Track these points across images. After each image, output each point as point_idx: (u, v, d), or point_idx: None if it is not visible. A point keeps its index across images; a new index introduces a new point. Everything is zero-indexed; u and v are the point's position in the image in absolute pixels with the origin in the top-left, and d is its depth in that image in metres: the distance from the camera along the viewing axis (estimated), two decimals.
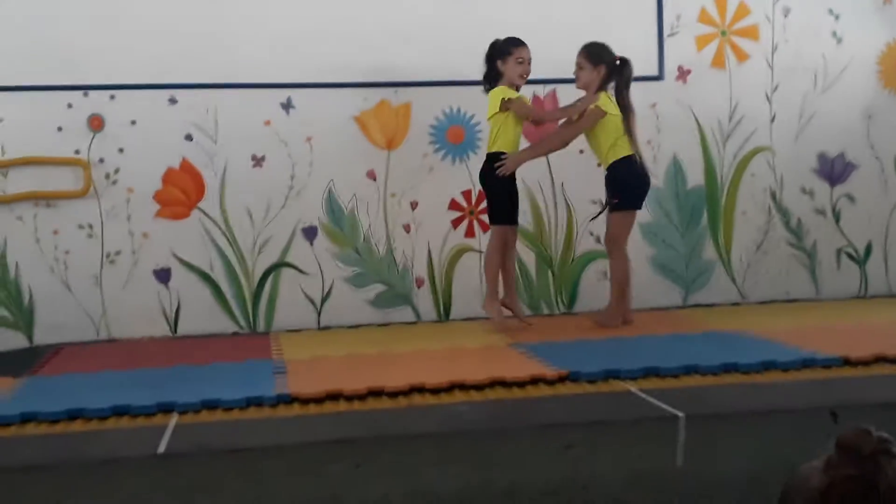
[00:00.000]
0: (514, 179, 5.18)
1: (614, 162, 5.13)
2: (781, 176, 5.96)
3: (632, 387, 3.89)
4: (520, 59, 5.05)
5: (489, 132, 5.16)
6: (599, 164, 5.29)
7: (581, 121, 5.16)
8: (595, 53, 5.13)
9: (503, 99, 5.02)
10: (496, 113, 5.05)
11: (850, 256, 6.06)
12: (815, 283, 6.03)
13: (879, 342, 4.37)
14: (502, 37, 5.10)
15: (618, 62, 5.13)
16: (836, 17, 5.96)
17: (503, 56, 5.06)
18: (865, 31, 5.98)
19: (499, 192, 5.14)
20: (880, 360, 4.12)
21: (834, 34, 5.96)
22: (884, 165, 6.05)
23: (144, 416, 3.69)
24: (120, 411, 3.71)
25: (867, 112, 6.01)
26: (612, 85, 5.11)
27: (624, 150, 5.11)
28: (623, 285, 5.20)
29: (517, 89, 5.10)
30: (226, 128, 5.43)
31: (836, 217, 6.04)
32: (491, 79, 5.12)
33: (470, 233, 5.68)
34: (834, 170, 6.02)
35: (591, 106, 5.08)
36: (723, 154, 5.91)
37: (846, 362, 4.11)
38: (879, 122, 6.03)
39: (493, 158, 5.11)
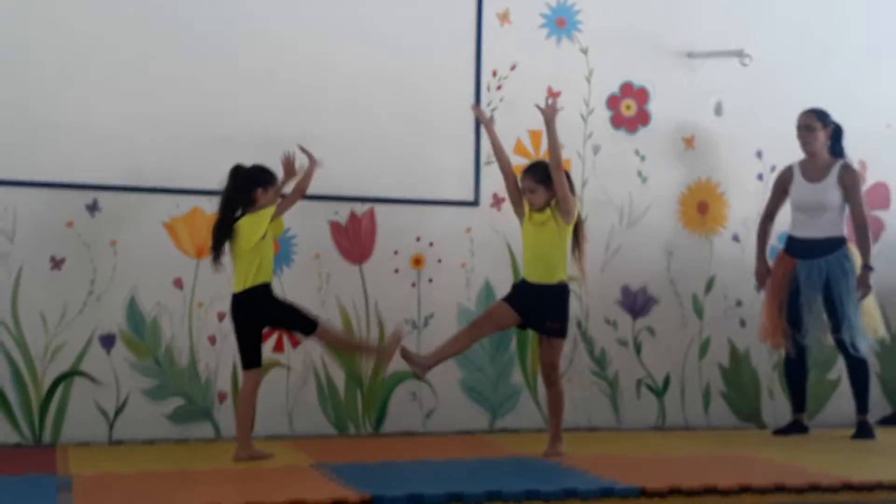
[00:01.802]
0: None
1: (561, 283, 4.98)
2: (587, 306, 6.13)
3: None
4: (277, 192, 4.91)
5: (244, 263, 4.76)
6: (525, 279, 5.07)
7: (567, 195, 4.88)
8: (545, 172, 4.95)
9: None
10: (259, 240, 4.76)
11: (649, 388, 6.24)
12: (615, 412, 6.17)
13: (675, 474, 4.48)
14: (258, 162, 4.87)
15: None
16: (642, 158, 6.26)
17: (266, 185, 4.82)
18: (668, 173, 6.31)
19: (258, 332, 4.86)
20: (675, 491, 4.21)
21: (639, 174, 6.26)
22: (682, 301, 6.30)
23: None
24: None
25: (668, 249, 6.29)
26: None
27: (565, 273, 5.00)
28: (562, 412, 5.07)
29: None
30: (24, 227, 5.18)
31: (637, 349, 6.23)
32: (244, 202, 4.81)
33: (279, 347, 5.55)
34: (636, 302, 6.24)
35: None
36: None
37: (643, 493, 4.17)
38: (679, 259, 6.31)
39: (258, 293, 4.79)
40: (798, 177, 5.95)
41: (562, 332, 5.03)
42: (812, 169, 5.93)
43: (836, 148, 5.94)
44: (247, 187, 4.81)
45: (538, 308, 5.01)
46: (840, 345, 5.81)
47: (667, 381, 6.28)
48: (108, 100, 5.32)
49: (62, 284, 5.24)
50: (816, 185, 5.88)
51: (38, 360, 5.20)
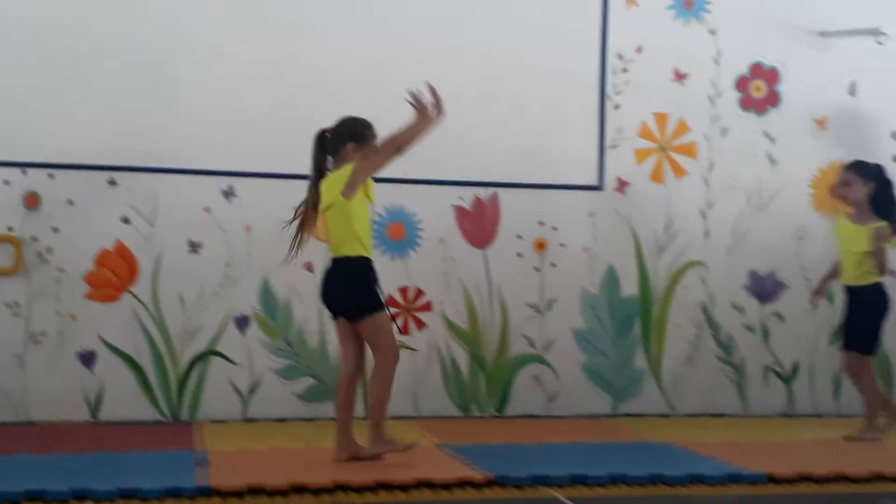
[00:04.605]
0: None
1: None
2: (713, 291, 6.05)
3: (559, 493, 3.87)
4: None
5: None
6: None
7: None
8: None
9: None
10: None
11: (776, 374, 6.13)
12: (742, 398, 6.08)
13: (804, 460, 4.42)
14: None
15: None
16: (772, 141, 6.14)
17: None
18: (800, 156, 6.16)
19: None
20: (804, 478, 4.16)
21: (769, 156, 6.13)
22: (813, 286, 6.15)
23: (58, 502, 3.59)
24: (33, 496, 3.62)
25: (798, 233, 6.16)
26: None
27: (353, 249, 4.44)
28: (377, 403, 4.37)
29: None
30: (164, 212, 5.40)
31: (765, 334, 6.12)
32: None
33: (405, 330, 5.65)
34: (764, 288, 6.13)
35: None
36: (657, 266, 5.99)
37: (771, 479, 4.13)
38: (810, 244, 6.16)
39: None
40: None
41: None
42: None
43: None
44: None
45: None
46: None
47: (795, 368, 6.15)
48: (238, 93, 5.46)
49: (199, 267, 5.44)
50: None
51: (176, 340, 5.42)
